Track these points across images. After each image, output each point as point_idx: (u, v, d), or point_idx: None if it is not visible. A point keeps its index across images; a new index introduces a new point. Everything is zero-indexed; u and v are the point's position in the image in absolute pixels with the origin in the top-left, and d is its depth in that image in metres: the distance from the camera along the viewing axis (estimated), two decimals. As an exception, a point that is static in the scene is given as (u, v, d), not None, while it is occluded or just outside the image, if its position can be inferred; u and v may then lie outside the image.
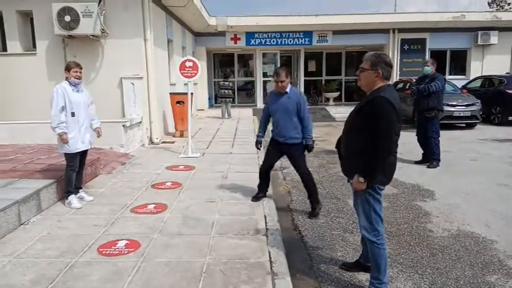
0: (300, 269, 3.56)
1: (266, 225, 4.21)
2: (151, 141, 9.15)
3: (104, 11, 8.23)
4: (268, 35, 17.40)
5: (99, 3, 8.00)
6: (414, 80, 9.52)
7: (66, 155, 4.82)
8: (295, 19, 16.35)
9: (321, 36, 17.36)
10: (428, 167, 7.25)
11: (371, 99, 2.82)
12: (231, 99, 14.59)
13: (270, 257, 3.47)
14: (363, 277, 3.32)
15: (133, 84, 8.69)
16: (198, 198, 5.12)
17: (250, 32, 17.13)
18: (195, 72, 7.70)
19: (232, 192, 5.40)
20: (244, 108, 17.40)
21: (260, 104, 18.74)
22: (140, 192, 5.40)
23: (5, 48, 8.79)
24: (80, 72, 4.88)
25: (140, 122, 8.72)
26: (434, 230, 4.41)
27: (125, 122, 7.80)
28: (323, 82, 19.90)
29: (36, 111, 8.32)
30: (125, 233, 4.00)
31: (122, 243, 3.71)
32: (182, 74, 7.69)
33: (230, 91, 14.31)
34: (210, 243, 3.76)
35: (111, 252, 3.55)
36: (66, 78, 4.84)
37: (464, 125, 12.26)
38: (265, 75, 18.98)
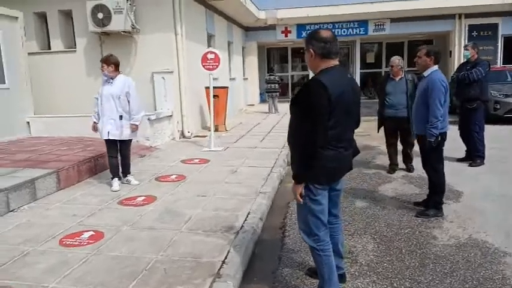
0: (261, 272, 3.23)
1: (244, 223, 3.92)
2: (182, 135, 9.19)
3: (134, 7, 8.41)
4: (320, 27, 16.68)
5: (128, 0, 8.18)
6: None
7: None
8: (347, 8, 15.47)
9: (378, 25, 16.28)
10: (470, 165, 6.37)
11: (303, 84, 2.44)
12: (277, 93, 14.26)
13: (226, 257, 3.19)
14: (323, 286, 2.90)
15: (164, 79, 8.79)
16: (192, 192, 4.97)
17: (301, 24, 16.56)
18: (217, 64, 7.52)
19: (229, 186, 5.17)
20: (296, 103, 16.91)
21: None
22: (140, 184, 5.37)
23: (49, 46, 9.38)
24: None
25: (171, 115, 8.79)
26: (439, 236, 3.79)
27: (150, 115, 7.89)
28: (383, 74, 18.73)
29: (75, 106, 8.78)
30: (97, 224, 3.95)
31: (86, 235, 3.66)
32: (204, 66, 7.56)
33: (276, 85, 14.01)
34: (173, 238, 3.57)
35: (71, 243, 3.51)
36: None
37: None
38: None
